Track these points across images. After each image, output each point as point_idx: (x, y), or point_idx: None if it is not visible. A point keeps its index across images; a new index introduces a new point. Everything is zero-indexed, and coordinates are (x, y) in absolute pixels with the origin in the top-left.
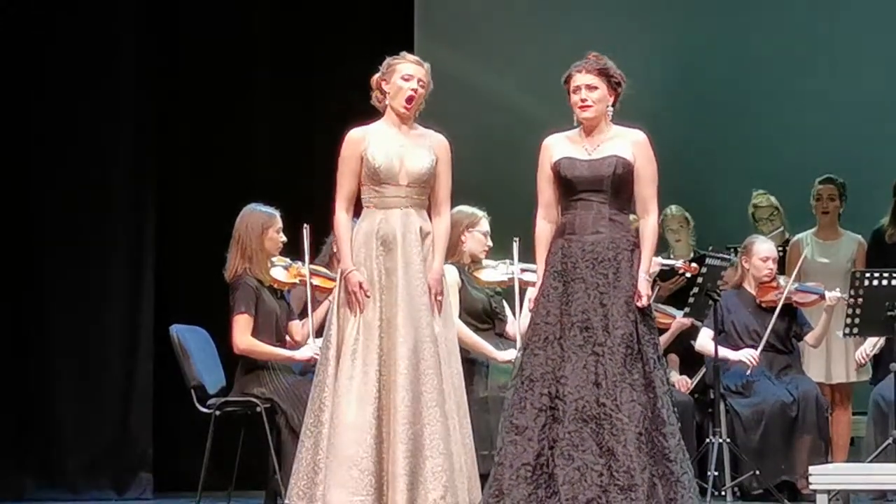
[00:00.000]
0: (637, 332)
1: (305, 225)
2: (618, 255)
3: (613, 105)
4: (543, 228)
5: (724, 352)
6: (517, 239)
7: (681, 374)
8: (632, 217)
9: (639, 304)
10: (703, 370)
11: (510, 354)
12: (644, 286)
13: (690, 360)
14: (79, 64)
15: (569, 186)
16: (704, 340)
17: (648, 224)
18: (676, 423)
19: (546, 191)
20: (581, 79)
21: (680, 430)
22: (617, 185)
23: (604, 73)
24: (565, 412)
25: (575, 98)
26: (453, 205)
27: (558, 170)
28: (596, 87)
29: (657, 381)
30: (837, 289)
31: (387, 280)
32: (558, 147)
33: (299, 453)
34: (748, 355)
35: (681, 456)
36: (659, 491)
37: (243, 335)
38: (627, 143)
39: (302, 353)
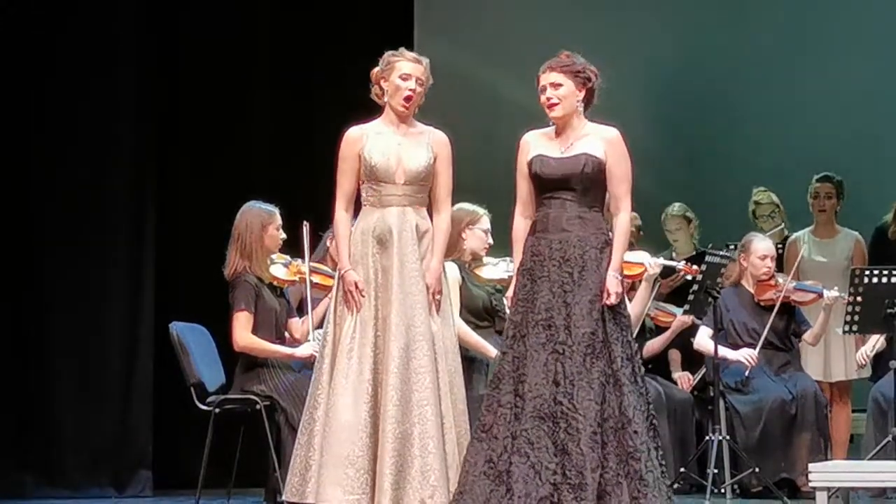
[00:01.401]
0: (605, 331)
1: (305, 222)
2: (584, 253)
3: (588, 101)
4: (520, 225)
5: (723, 351)
6: None
7: (682, 370)
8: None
9: (607, 302)
10: (704, 369)
11: None
12: (613, 284)
13: (692, 358)
14: (79, 64)
15: (540, 184)
16: (703, 339)
17: (620, 222)
18: (644, 421)
19: (522, 187)
20: (545, 78)
21: (679, 427)
22: (587, 184)
23: (568, 71)
24: (524, 409)
25: (542, 98)
26: (453, 201)
27: (531, 167)
28: (560, 85)
29: (624, 379)
30: (836, 287)
31: (382, 278)
32: (534, 144)
33: (295, 450)
34: (747, 355)
35: (646, 455)
36: (624, 489)
37: (243, 332)
38: (600, 141)
39: (302, 351)
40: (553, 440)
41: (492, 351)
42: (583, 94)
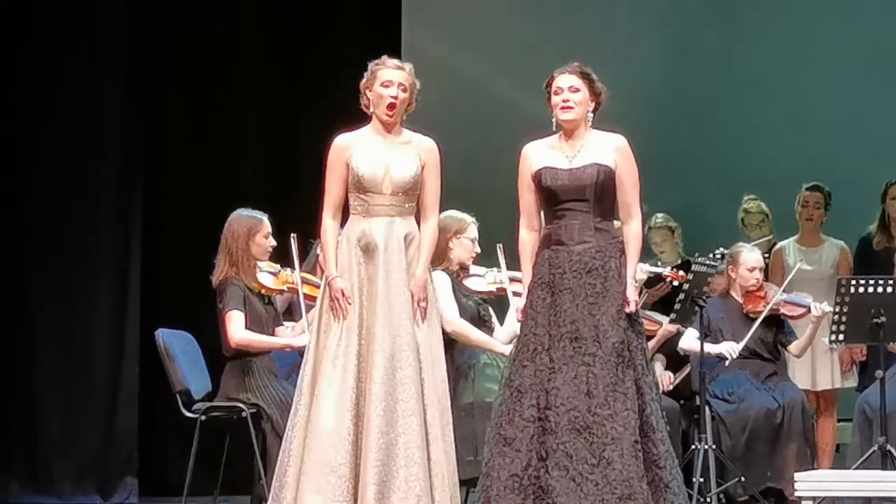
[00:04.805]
0: (627, 339)
1: (293, 235)
2: (606, 263)
3: (594, 113)
4: (526, 238)
5: (707, 346)
6: (501, 245)
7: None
8: (616, 223)
9: (627, 310)
10: (688, 368)
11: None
12: (632, 292)
13: (674, 362)
14: (67, 69)
15: (551, 196)
16: (689, 340)
17: (632, 229)
18: (665, 428)
19: (527, 199)
20: (564, 80)
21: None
22: (600, 193)
23: (586, 77)
24: (558, 423)
25: (556, 99)
26: (442, 207)
27: (539, 180)
28: (578, 90)
29: (646, 388)
30: (825, 302)
31: (368, 288)
32: (538, 155)
33: (279, 457)
34: (729, 348)
35: (670, 462)
36: (648, 497)
37: (237, 329)
38: (608, 149)
39: (299, 340)
40: (591, 452)
41: (498, 346)
42: (593, 105)
